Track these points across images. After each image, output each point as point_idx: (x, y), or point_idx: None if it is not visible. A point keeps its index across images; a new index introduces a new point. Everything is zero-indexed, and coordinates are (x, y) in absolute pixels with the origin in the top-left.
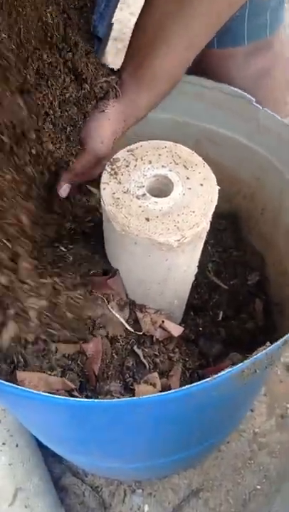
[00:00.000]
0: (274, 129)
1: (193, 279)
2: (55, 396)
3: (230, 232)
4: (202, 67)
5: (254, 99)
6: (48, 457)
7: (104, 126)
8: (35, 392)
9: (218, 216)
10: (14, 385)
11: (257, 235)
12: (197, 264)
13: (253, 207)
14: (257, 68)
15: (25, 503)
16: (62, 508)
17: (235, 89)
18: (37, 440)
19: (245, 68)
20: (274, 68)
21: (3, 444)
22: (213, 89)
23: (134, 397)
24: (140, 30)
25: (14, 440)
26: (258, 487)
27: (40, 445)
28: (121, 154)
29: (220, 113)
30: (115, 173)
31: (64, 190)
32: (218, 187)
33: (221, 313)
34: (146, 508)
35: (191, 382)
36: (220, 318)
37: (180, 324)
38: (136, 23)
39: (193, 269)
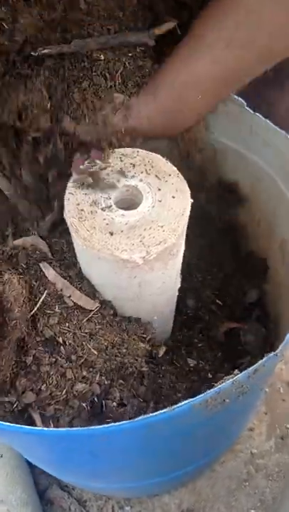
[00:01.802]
0: (264, 135)
1: (176, 293)
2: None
3: (226, 245)
4: None
5: (245, 103)
6: (35, 468)
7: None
8: (10, 425)
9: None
10: None
11: (255, 248)
12: (179, 279)
13: (250, 218)
14: None
15: None
16: None
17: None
18: None
19: None
20: None
21: None
22: None
23: (93, 427)
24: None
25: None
26: (252, 511)
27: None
28: (93, 161)
29: (213, 117)
30: (83, 184)
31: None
32: (192, 200)
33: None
34: None
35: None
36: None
37: (169, 340)
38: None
39: (172, 285)
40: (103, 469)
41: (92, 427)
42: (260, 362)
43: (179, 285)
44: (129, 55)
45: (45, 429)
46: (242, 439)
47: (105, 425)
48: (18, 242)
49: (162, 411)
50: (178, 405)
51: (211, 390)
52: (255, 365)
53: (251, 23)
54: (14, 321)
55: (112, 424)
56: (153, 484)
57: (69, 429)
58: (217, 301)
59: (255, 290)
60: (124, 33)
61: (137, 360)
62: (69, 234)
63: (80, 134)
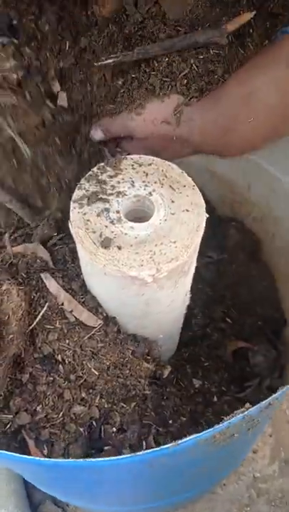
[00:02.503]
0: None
1: (184, 312)
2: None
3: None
4: None
5: None
6: (28, 484)
7: (154, 108)
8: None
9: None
10: None
11: (269, 261)
12: (188, 296)
13: (264, 230)
14: None
15: None
16: None
17: None
18: None
19: None
20: None
21: None
22: None
23: (90, 460)
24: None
25: None
26: None
27: None
28: (103, 168)
29: None
30: (90, 192)
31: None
32: (207, 215)
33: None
34: None
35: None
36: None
37: (172, 358)
38: None
39: (181, 303)
40: (98, 494)
41: (88, 460)
42: (274, 396)
43: (188, 303)
44: (200, 57)
45: (37, 458)
46: (245, 462)
47: (103, 458)
48: (18, 249)
49: (165, 446)
50: (183, 440)
51: (220, 425)
52: (268, 399)
53: None
54: (11, 336)
55: (111, 458)
56: (151, 508)
57: (59, 460)
58: (226, 318)
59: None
60: (192, 33)
61: (140, 382)
62: (73, 241)
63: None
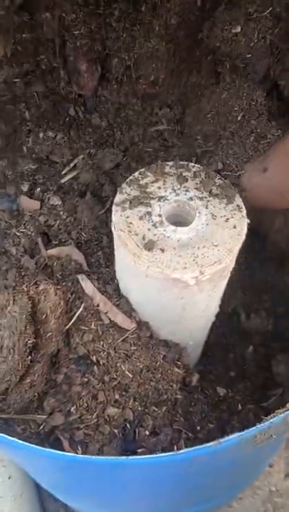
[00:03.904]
0: None
1: (213, 319)
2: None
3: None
4: None
5: None
6: (43, 492)
7: None
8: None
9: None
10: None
11: None
12: (219, 303)
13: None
14: None
15: None
16: None
17: None
18: None
19: None
20: None
21: None
22: None
23: (133, 457)
24: None
25: (7, 471)
26: None
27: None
28: (144, 173)
29: None
30: (132, 196)
31: None
32: (248, 220)
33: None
34: None
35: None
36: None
37: (196, 366)
38: None
39: (214, 310)
40: (125, 500)
41: (130, 458)
42: None
43: (218, 310)
44: None
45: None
46: (261, 476)
47: (147, 456)
48: (53, 251)
49: (208, 444)
50: (226, 439)
51: (262, 424)
52: None
53: None
54: (50, 334)
55: (153, 455)
56: None
57: (105, 457)
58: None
59: None
60: None
61: (171, 386)
62: (107, 246)
63: None
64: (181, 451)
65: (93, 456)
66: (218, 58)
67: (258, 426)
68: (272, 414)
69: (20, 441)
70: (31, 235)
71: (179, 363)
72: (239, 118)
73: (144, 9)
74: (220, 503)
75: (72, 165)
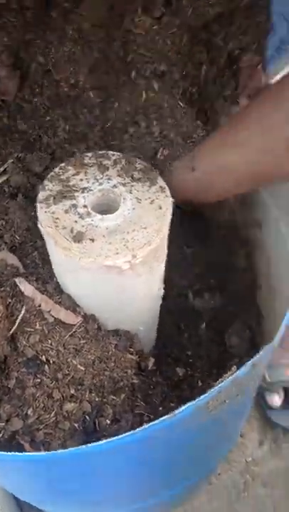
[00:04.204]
0: None
1: (160, 302)
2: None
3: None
4: None
5: None
6: (25, 505)
7: None
8: None
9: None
10: None
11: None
12: (162, 286)
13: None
14: None
15: None
16: None
17: None
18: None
19: None
20: None
21: None
22: None
23: (94, 444)
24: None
25: None
26: None
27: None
28: (64, 167)
29: None
30: (55, 191)
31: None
32: (172, 199)
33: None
34: None
35: None
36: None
37: (153, 350)
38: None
39: (156, 293)
40: (98, 493)
41: (91, 444)
42: (258, 355)
43: (163, 292)
44: None
45: (32, 453)
46: (235, 448)
47: (105, 440)
48: None
49: (163, 418)
50: (179, 410)
51: (212, 389)
52: (254, 359)
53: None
54: None
55: (113, 438)
56: (149, 508)
57: (63, 450)
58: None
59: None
60: None
61: (126, 372)
62: (41, 246)
63: None
64: (137, 430)
65: (56, 451)
66: (135, 60)
67: (209, 392)
68: (220, 380)
69: None
70: None
71: (132, 349)
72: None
73: (56, 15)
74: (198, 479)
75: (1, 169)
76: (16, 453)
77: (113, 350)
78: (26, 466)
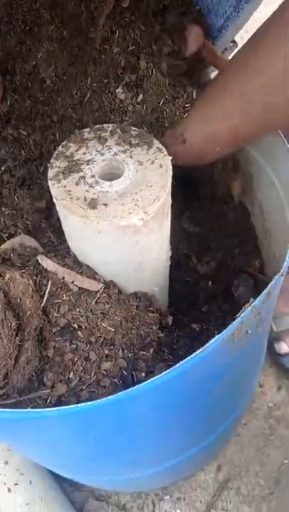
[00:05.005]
0: None
1: (169, 262)
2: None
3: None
4: None
5: None
6: (66, 487)
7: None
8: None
9: None
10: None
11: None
12: (169, 246)
13: None
14: None
15: None
16: None
17: None
18: (51, 472)
19: None
20: None
21: (16, 484)
22: None
23: (128, 390)
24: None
25: (26, 478)
26: (286, 461)
27: (56, 476)
28: (66, 145)
29: None
30: (62, 168)
31: None
32: (170, 156)
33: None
34: None
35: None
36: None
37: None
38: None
39: (166, 251)
40: (134, 447)
41: (136, 386)
42: (270, 284)
43: (170, 253)
44: None
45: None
46: (256, 397)
47: (142, 383)
48: (6, 245)
49: (196, 353)
50: (209, 343)
51: (235, 321)
52: (267, 288)
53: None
54: (29, 312)
55: (154, 377)
56: (188, 459)
57: (108, 397)
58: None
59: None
60: None
61: (151, 328)
62: (56, 226)
63: None
64: (176, 366)
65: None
66: None
67: (233, 324)
68: (241, 310)
69: (37, 410)
70: None
71: (152, 308)
72: None
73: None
74: (230, 423)
75: (3, 168)
76: (65, 406)
77: (135, 311)
78: (73, 421)
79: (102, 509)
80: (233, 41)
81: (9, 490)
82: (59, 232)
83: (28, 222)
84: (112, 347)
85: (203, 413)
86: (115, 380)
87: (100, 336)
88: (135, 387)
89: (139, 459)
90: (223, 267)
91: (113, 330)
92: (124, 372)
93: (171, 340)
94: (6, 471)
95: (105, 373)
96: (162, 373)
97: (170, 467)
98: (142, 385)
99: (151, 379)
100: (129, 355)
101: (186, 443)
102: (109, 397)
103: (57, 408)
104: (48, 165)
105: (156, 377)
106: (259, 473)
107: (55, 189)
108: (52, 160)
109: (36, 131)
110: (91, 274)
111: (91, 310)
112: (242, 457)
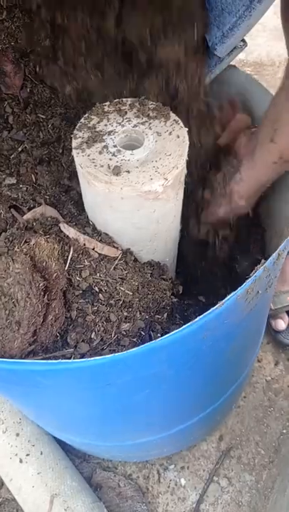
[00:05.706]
0: None
1: (178, 234)
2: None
3: None
4: None
5: None
6: (75, 459)
7: None
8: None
9: None
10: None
11: None
12: (180, 219)
13: None
14: None
15: (64, 507)
16: (101, 502)
17: None
18: (60, 443)
19: None
20: None
21: (28, 455)
22: None
23: (151, 342)
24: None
25: (37, 449)
26: (284, 431)
27: (65, 448)
28: (88, 117)
29: None
30: (86, 138)
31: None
32: (186, 128)
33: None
34: (182, 481)
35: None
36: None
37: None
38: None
39: (179, 221)
40: (153, 408)
41: (154, 341)
42: (280, 247)
43: (180, 226)
44: None
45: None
46: (255, 372)
47: (165, 335)
48: (29, 215)
49: (213, 308)
50: (225, 299)
51: (249, 279)
52: (276, 251)
53: None
54: (55, 274)
55: (171, 332)
56: (193, 426)
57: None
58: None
59: None
60: None
61: (165, 294)
62: (74, 198)
63: None
64: (196, 319)
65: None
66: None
67: (247, 281)
68: (254, 270)
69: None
70: (1, 213)
71: (164, 276)
72: None
73: None
74: (234, 391)
75: (20, 149)
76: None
77: (150, 278)
78: (97, 374)
79: (110, 479)
80: (243, 40)
81: (21, 460)
82: (78, 204)
83: (47, 197)
84: (130, 309)
85: (213, 375)
86: (134, 340)
87: (119, 299)
88: (158, 339)
89: (152, 420)
90: (227, 240)
91: (131, 294)
92: (142, 333)
93: (182, 307)
94: (17, 442)
95: (125, 333)
96: (183, 326)
97: (177, 433)
98: (164, 337)
99: (173, 332)
100: (147, 317)
101: (195, 407)
102: (133, 349)
103: (85, 359)
104: (72, 136)
105: (177, 330)
106: (259, 442)
107: (80, 158)
108: (75, 131)
109: (56, 116)
110: (110, 241)
111: (110, 275)
112: (242, 428)
